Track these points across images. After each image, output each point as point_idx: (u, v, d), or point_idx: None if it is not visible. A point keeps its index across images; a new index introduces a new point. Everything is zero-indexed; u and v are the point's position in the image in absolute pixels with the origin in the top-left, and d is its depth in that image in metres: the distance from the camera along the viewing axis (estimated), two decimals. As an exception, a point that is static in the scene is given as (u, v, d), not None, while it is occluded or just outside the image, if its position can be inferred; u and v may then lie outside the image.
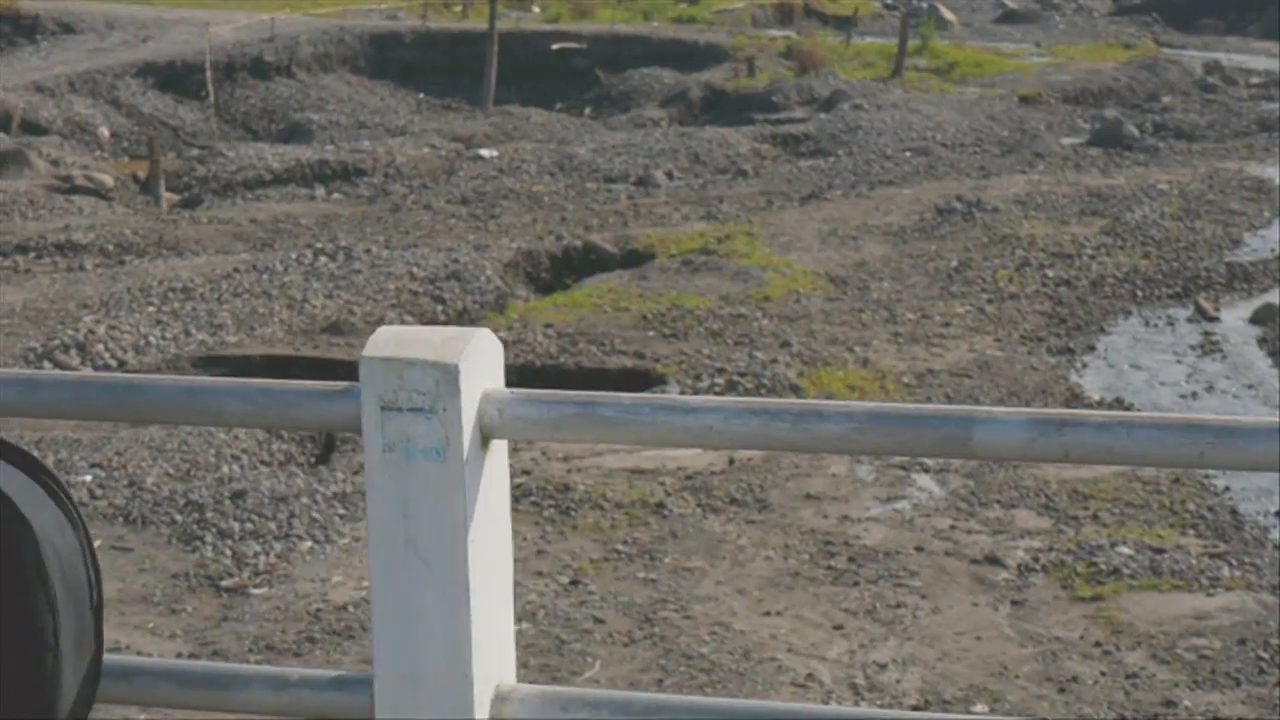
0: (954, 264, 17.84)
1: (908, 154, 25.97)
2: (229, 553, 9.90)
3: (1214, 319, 16.21)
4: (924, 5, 45.45)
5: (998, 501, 10.81)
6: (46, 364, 13.81)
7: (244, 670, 2.46)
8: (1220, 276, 17.65)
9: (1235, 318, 16.32)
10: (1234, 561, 9.85)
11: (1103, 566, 9.67)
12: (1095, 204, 21.12)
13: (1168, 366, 14.76)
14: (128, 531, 10.26)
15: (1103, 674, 8.40)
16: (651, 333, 14.93)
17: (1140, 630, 8.90)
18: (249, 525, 10.25)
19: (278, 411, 2.42)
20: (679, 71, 34.95)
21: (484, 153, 26.53)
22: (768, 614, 9.09)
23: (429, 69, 35.71)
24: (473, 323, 15.74)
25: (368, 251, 17.87)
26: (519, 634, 8.67)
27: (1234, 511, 10.77)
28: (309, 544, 10.03)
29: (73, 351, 14.07)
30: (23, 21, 37.16)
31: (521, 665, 8.22)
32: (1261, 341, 15.43)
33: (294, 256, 17.61)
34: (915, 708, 8.01)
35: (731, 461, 11.45)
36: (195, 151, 28.66)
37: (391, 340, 2.37)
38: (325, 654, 8.56)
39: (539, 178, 24.45)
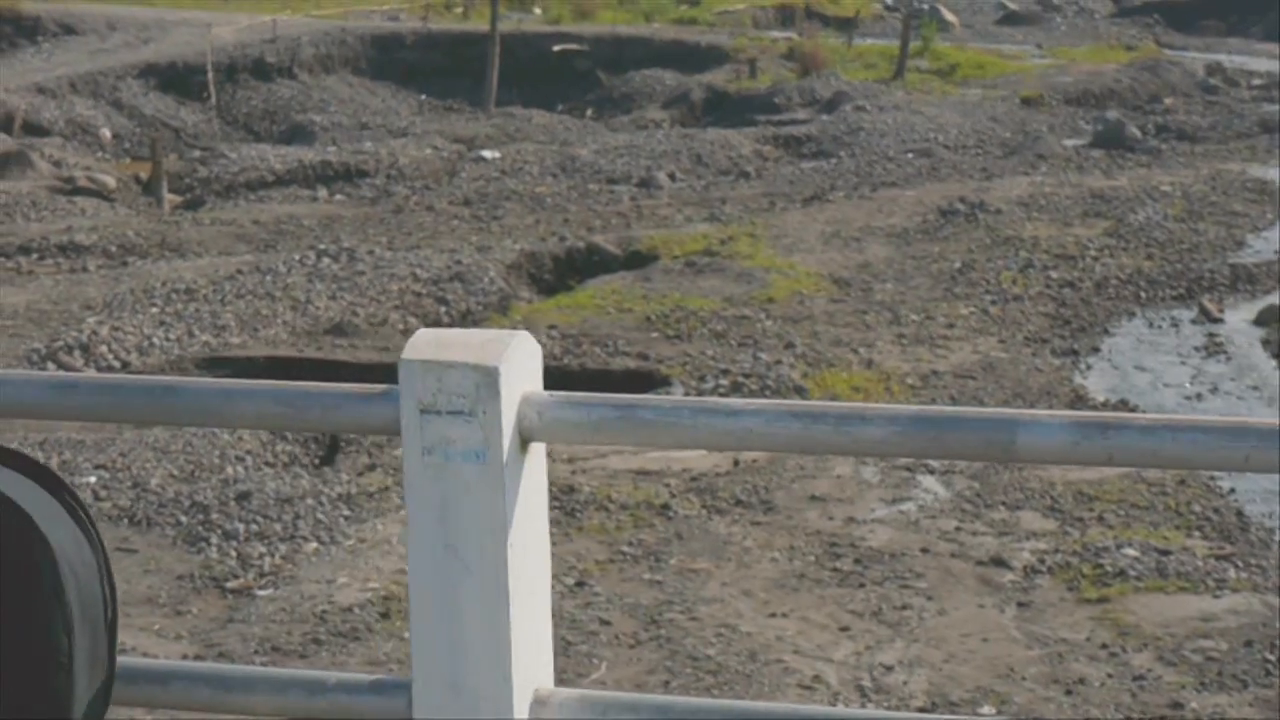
0: (957, 265, 17.83)
1: (910, 155, 25.96)
2: (234, 554, 9.89)
3: (1218, 321, 16.20)
4: (925, 7, 45.44)
5: (1003, 503, 10.80)
6: (50, 365, 13.80)
7: (280, 674, 2.44)
8: (1224, 278, 17.64)
9: (1239, 319, 16.31)
10: (1240, 563, 9.84)
11: (1108, 568, 9.66)
12: (1098, 205, 21.11)
13: (1172, 368, 14.75)
14: (132, 533, 10.26)
15: (1109, 676, 8.39)
16: (655, 334, 14.92)
17: (1147, 632, 8.89)
18: (254, 527, 10.25)
19: (316, 414, 2.41)
20: (680, 73, 34.93)
21: (486, 154, 26.52)
22: (774, 615, 9.08)
23: (430, 70, 35.69)
24: (476, 324, 15.73)
25: (371, 253, 17.86)
26: (525, 636, 8.65)
27: (1240, 513, 10.76)
28: (314, 545, 10.03)
29: (76, 353, 14.06)
30: (24, 22, 37.14)
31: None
32: (1266, 343, 15.42)
33: (297, 258, 17.60)
34: (922, 709, 8.00)
35: (736, 463, 11.44)
36: (197, 153, 28.64)
37: (430, 343, 2.35)
38: (331, 655, 8.56)
39: (541, 179, 24.44)
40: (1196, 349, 15.33)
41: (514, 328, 14.95)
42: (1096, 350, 15.21)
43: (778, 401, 2.30)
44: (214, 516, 10.40)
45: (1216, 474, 11.19)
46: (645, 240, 19.19)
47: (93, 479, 11.13)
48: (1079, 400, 13.37)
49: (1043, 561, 9.80)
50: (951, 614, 9.11)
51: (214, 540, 10.08)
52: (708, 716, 2.43)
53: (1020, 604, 9.26)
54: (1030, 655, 8.61)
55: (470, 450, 2.28)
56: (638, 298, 16.24)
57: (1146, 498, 10.85)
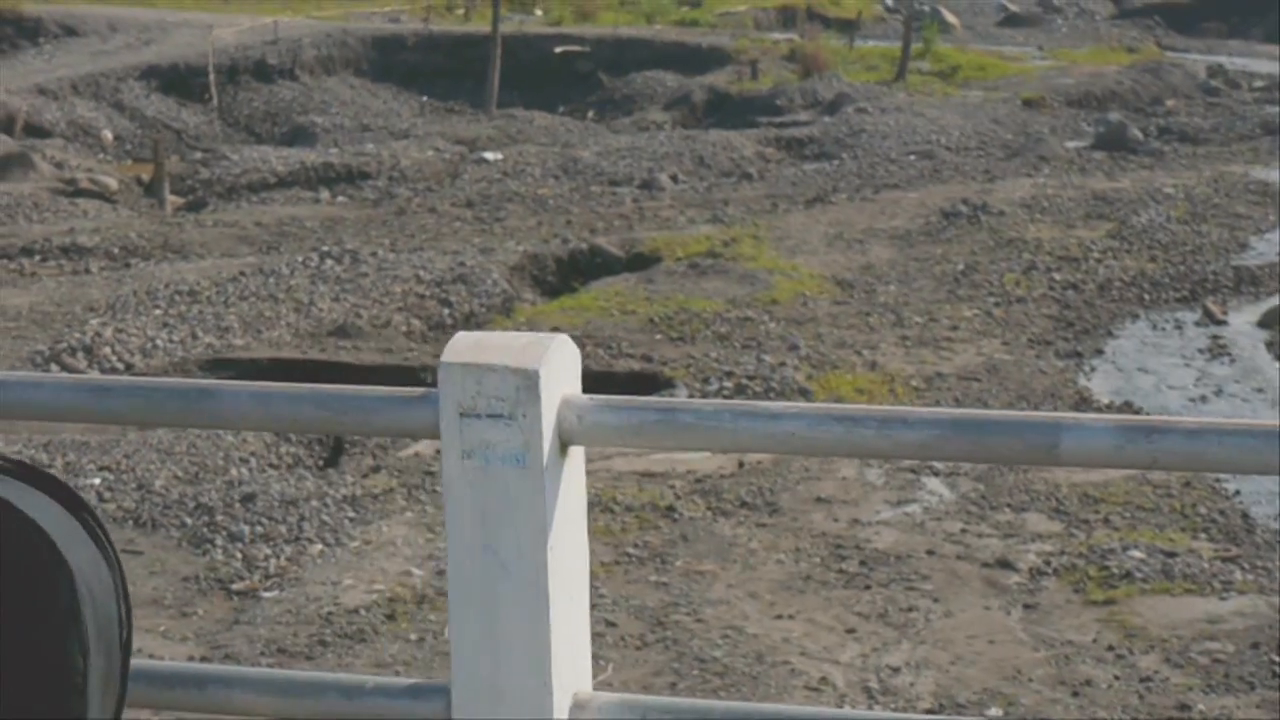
0: (960, 267, 17.82)
1: (912, 157, 25.95)
2: (239, 556, 9.88)
3: (1222, 322, 16.19)
4: (926, 9, 45.45)
5: (1008, 505, 10.79)
6: (53, 367, 13.79)
7: (318, 677, 2.42)
8: (1227, 280, 17.62)
9: (1243, 321, 16.30)
10: (1246, 565, 9.83)
11: (1115, 570, 9.65)
12: (1101, 207, 21.10)
13: (1176, 370, 14.74)
14: (138, 534, 10.25)
15: (1116, 678, 8.38)
16: (659, 336, 14.91)
17: (1153, 634, 8.88)
18: (259, 528, 10.24)
19: (354, 418, 2.39)
20: (682, 74, 34.93)
21: (488, 156, 26.52)
22: (780, 617, 9.07)
23: (432, 72, 35.70)
24: (479, 326, 15.73)
25: (374, 254, 17.86)
26: (531, 637, 8.64)
27: (1245, 515, 10.75)
28: (319, 547, 10.02)
29: (80, 354, 14.06)
30: (25, 24, 37.16)
31: (534, 669, 8.19)
32: (1270, 345, 15.41)
33: (300, 259, 17.59)
34: (929, 711, 8.00)
35: (741, 465, 11.43)
36: (199, 154, 28.65)
37: (470, 346, 2.33)
38: (337, 657, 8.55)
39: (543, 181, 24.44)
40: (1200, 351, 15.32)
41: (518, 330, 14.98)
42: (1100, 352, 15.21)
43: (819, 405, 2.29)
44: (219, 518, 10.39)
45: (1222, 476, 11.18)
46: (648, 242, 19.18)
47: (97, 480, 11.12)
48: (1083, 402, 13.36)
49: (1048, 563, 9.79)
50: (957, 616, 9.10)
51: (219, 542, 10.07)
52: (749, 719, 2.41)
53: (1026, 606, 9.25)
54: (1037, 657, 8.60)
55: (510, 454, 2.27)
56: (641, 299, 16.23)
57: (1152, 499, 10.84)
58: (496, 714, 2.30)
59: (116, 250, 19.19)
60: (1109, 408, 13.24)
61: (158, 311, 15.40)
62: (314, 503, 10.65)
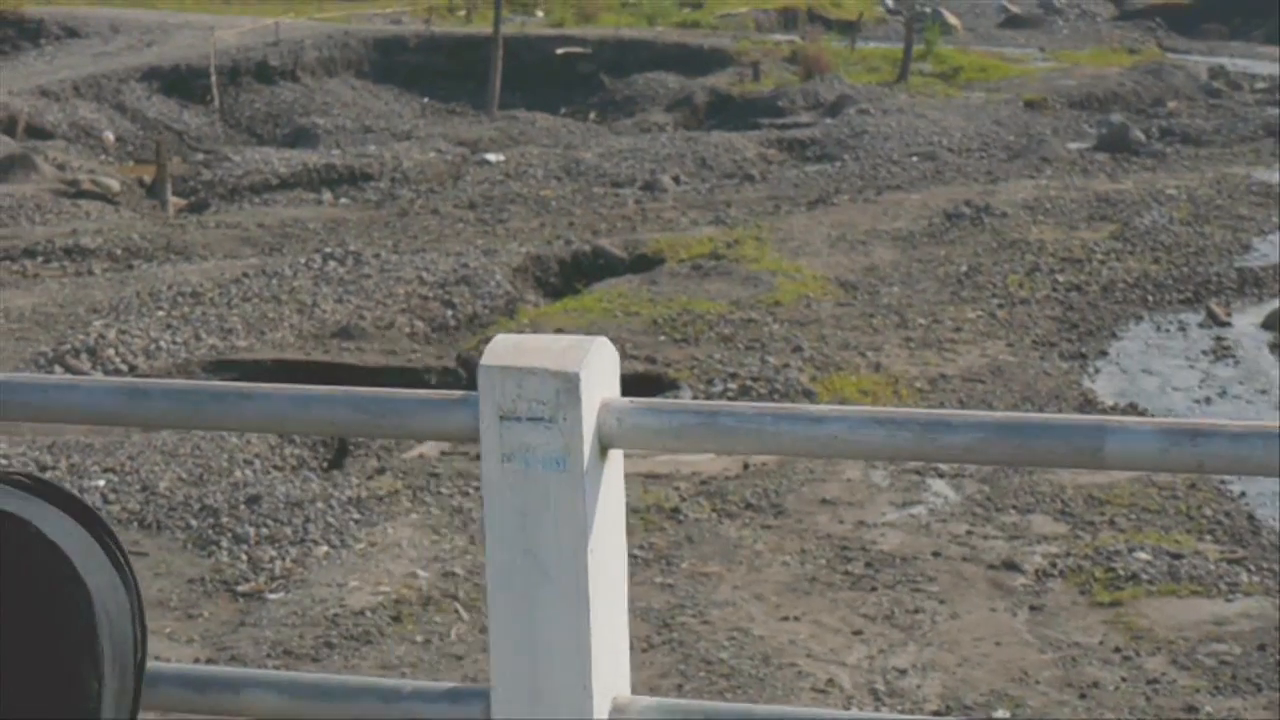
0: (964, 269, 17.81)
1: (914, 159, 25.95)
2: (245, 557, 9.88)
3: (1225, 324, 16.18)
4: (927, 10, 45.45)
5: (1013, 507, 10.78)
6: (57, 368, 13.78)
7: (355, 681, 2.41)
8: (1231, 282, 17.61)
9: (1247, 323, 16.29)
10: (1252, 567, 9.82)
11: (1121, 572, 9.64)
12: (1104, 209, 21.09)
13: (1180, 372, 14.73)
14: (143, 536, 10.24)
15: (1123, 680, 8.37)
16: (662, 337, 14.90)
17: (1160, 636, 8.87)
18: (264, 530, 10.23)
19: (393, 421, 2.37)
20: (684, 76, 34.92)
21: (490, 157, 26.52)
22: (786, 619, 9.07)
23: (433, 73, 35.70)
24: (483, 328, 15.72)
25: (376, 256, 17.85)
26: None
27: (1251, 517, 10.74)
28: (325, 549, 10.01)
29: (83, 356, 14.05)
30: (27, 25, 37.16)
31: (541, 671, 8.18)
32: (1274, 347, 15.40)
33: (303, 261, 17.59)
34: (937, 713, 7.99)
35: (746, 466, 11.43)
36: (200, 156, 28.64)
37: (510, 349, 2.32)
38: (344, 659, 8.54)
39: (546, 182, 24.43)
40: (1204, 353, 15.31)
41: (521, 331, 14.98)
42: (1104, 354, 15.20)
43: (862, 408, 2.28)
44: (224, 520, 10.39)
45: (1227, 478, 11.17)
46: (651, 243, 19.17)
47: (101, 482, 11.11)
48: (1088, 404, 13.36)
49: (1054, 565, 9.78)
50: (964, 617, 9.10)
51: (224, 544, 10.07)
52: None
53: (1033, 608, 9.25)
54: (1043, 659, 8.60)
55: (550, 457, 2.25)
56: (644, 301, 16.22)
57: (1158, 501, 10.83)
58: (536, 717, 2.29)
59: (119, 252, 19.18)
60: (1114, 409, 13.24)
61: (161, 313, 15.40)
62: (319, 504, 10.64)
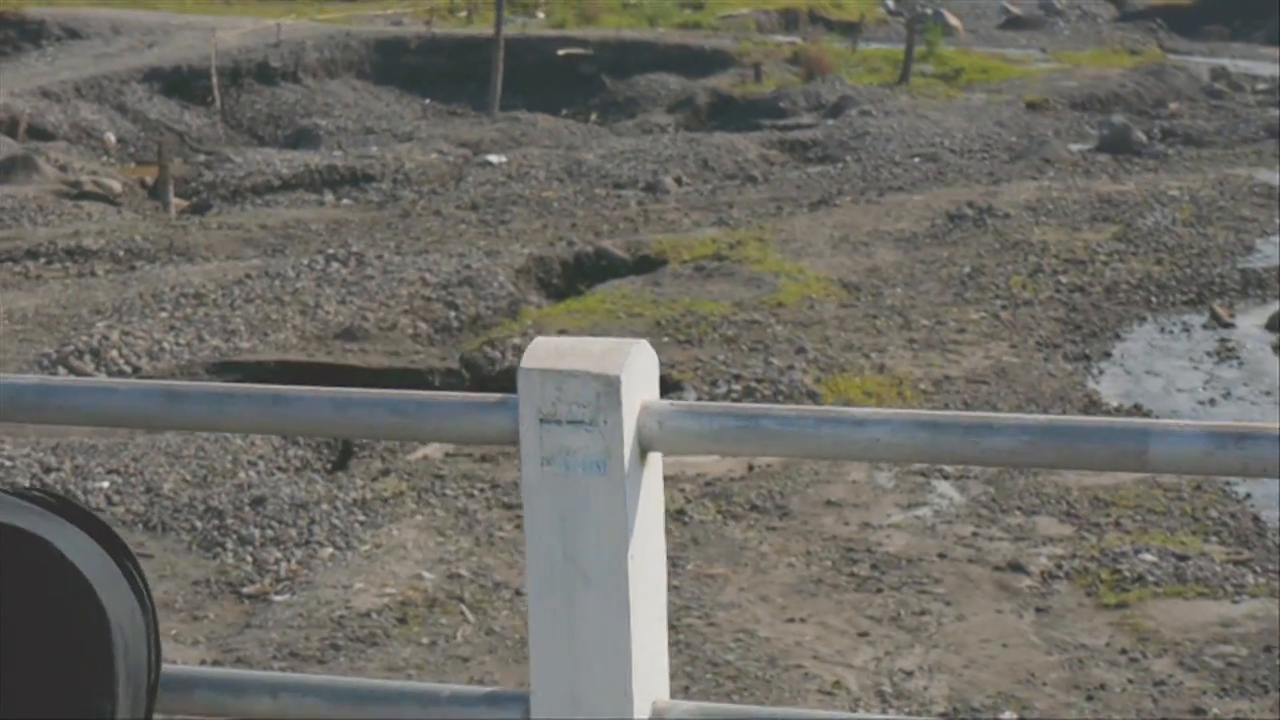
0: (967, 270, 17.80)
1: (916, 160, 25.94)
2: (250, 559, 9.87)
3: (1229, 325, 16.17)
4: (928, 11, 45.44)
5: (1019, 508, 10.77)
6: (61, 370, 13.78)
7: (393, 686, 2.40)
8: (1234, 283, 17.60)
9: (1250, 324, 16.28)
10: (1258, 569, 9.82)
11: (1127, 573, 9.63)
12: (1106, 210, 21.08)
13: (1184, 373, 14.72)
14: (147, 538, 10.24)
15: (1130, 681, 8.37)
16: (666, 339, 14.89)
17: (1166, 638, 8.87)
18: (269, 532, 10.23)
19: (432, 424, 2.36)
20: (685, 77, 34.91)
21: (492, 158, 26.51)
22: (792, 621, 9.06)
23: (434, 74, 35.68)
24: (486, 329, 15.72)
25: (379, 257, 17.84)
26: (543, 641, 8.63)
27: (1256, 518, 10.73)
28: (330, 550, 10.00)
29: (87, 357, 14.04)
30: (28, 27, 37.14)
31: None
32: (1278, 348, 15.40)
33: (305, 262, 17.58)
34: (944, 715, 7.98)
35: (751, 468, 11.42)
36: (202, 157, 28.64)
37: (549, 352, 2.30)
38: (349, 661, 8.53)
39: (548, 183, 24.42)
40: (1208, 354, 15.30)
41: (524, 333, 14.98)
42: (1108, 355, 15.19)
43: (904, 411, 2.26)
44: (229, 521, 10.38)
45: (1232, 479, 11.16)
46: (653, 245, 19.17)
47: (105, 484, 11.11)
48: (1093, 406, 13.35)
49: (1060, 567, 9.78)
50: (970, 619, 9.09)
51: (229, 545, 10.06)
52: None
53: (1039, 609, 9.24)
54: (1050, 661, 8.59)
55: (591, 461, 2.23)
56: (647, 302, 16.22)
57: (1163, 503, 10.83)
58: (575, 720, 2.28)
59: (121, 253, 19.17)
60: (1118, 411, 13.23)
61: (164, 314, 15.39)
62: (324, 506, 10.64)
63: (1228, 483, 11.27)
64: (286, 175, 25.03)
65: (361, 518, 10.50)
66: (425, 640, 8.75)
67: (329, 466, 12.25)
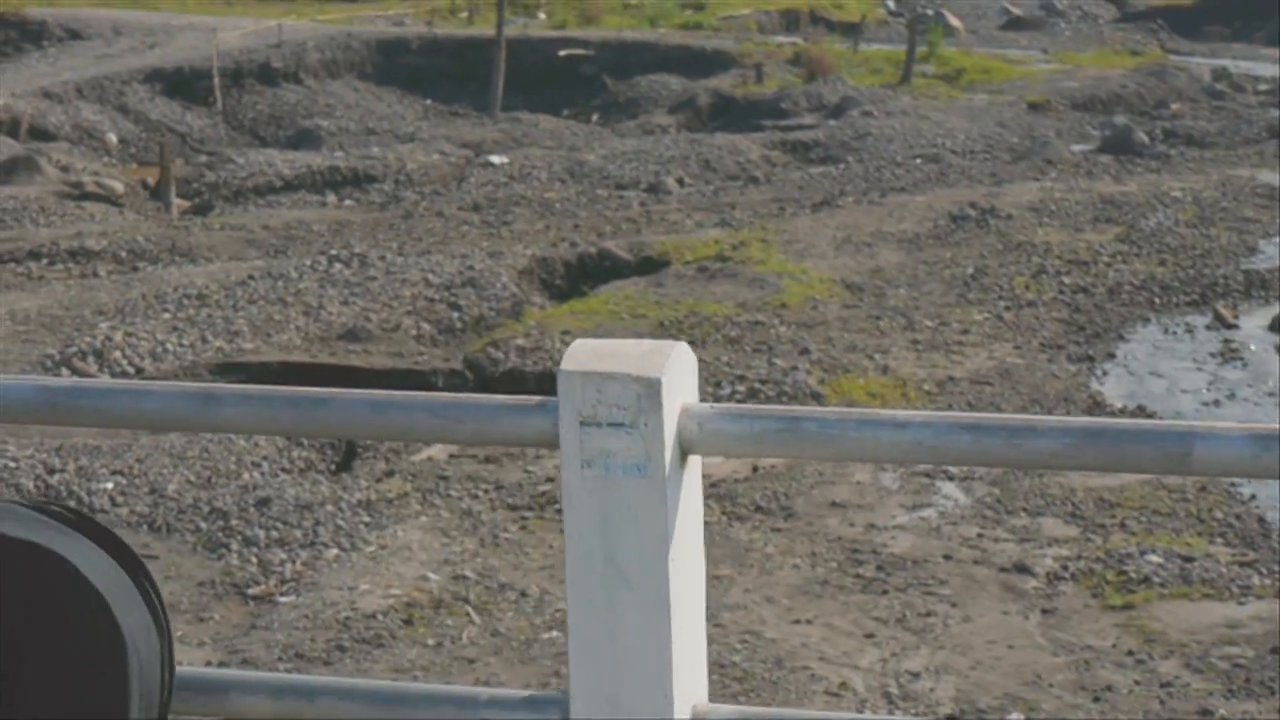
0: (970, 271, 17.79)
1: (918, 161, 25.93)
2: (255, 560, 9.87)
3: (1233, 326, 16.17)
4: (930, 12, 45.44)
5: (1024, 510, 10.77)
6: (64, 371, 13.77)
7: (432, 690, 2.39)
8: (1238, 284, 17.60)
9: (1254, 325, 16.28)
10: (1264, 570, 9.82)
11: (1132, 575, 9.63)
12: (1109, 211, 21.07)
13: (1188, 374, 14.72)
14: (152, 539, 10.23)
15: (1137, 683, 8.36)
16: (669, 340, 14.89)
17: (1173, 639, 8.86)
18: (274, 533, 10.22)
19: (472, 427, 2.35)
20: (686, 78, 34.88)
21: (494, 159, 26.50)
22: (797, 622, 9.06)
23: (436, 75, 35.66)
24: (489, 330, 15.71)
25: (382, 258, 17.83)
26: (549, 642, 8.63)
27: (1261, 520, 10.73)
28: (335, 552, 10.00)
29: (90, 358, 14.04)
30: (30, 27, 37.13)
31: (553, 674, 8.18)
32: (1281, 349, 15.40)
33: (308, 263, 17.57)
34: (951, 717, 7.98)
35: (755, 469, 11.41)
36: (204, 158, 28.63)
37: (589, 354, 2.29)
38: (355, 662, 8.53)
39: (550, 184, 24.42)
40: (1212, 355, 15.30)
41: (528, 333, 14.96)
42: (1112, 356, 15.19)
43: (947, 414, 2.25)
44: (234, 523, 10.37)
45: (1237, 480, 11.16)
46: (656, 245, 19.16)
47: (109, 485, 11.10)
48: (1097, 407, 13.35)
49: (1066, 568, 9.77)
50: (976, 620, 9.09)
51: (234, 546, 10.06)
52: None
53: (1044, 611, 9.24)
54: (1056, 662, 8.59)
55: (631, 463, 2.23)
56: (650, 303, 16.21)
57: (1168, 504, 10.82)
58: (614, 723, 2.27)
59: (124, 254, 19.16)
60: (1122, 411, 13.23)
61: (167, 315, 15.38)
62: (329, 507, 10.63)
63: (1232, 484, 11.27)
64: (288, 176, 25.03)
65: (366, 519, 10.50)
66: (431, 642, 8.75)
67: (333, 467, 12.24)
